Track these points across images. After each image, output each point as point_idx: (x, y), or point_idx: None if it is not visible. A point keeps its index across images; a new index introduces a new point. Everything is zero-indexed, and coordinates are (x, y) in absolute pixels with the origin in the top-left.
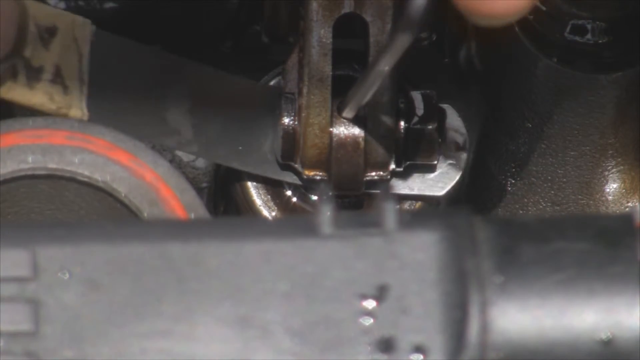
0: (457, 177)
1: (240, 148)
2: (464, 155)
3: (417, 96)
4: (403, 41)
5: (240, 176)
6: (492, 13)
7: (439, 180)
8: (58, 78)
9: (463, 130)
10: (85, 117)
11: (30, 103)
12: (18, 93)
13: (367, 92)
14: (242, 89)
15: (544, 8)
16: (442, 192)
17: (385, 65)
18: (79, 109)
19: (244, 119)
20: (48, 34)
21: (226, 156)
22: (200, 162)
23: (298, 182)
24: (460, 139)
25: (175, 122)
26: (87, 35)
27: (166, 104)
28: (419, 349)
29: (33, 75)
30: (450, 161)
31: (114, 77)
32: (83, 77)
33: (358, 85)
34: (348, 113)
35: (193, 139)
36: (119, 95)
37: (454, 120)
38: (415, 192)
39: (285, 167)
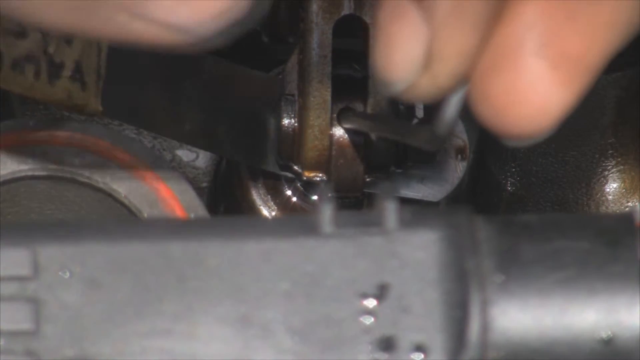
0: (456, 183)
1: (247, 142)
2: (464, 162)
3: None
4: (425, 145)
5: (240, 176)
6: (520, 133)
7: (438, 185)
8: (77, 74)
9: (464, 135)
10: (100, 112)
11: (50, 100)
12: (39, 91)
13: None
14: (255, 82)
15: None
16: (440, 197)
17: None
18: (95, 104)
19: (253, 113)
20: None
21: (231, 150)
22: (200, 162)
23: (300, 178)
24: (460, 144)
25: (185, 116)
26: None
27: (178, 98)
28: (419, 348)
29: (54, 71)
30: (450, 166)
31: (127, 71)
32: (100, 72)
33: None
34: (348, 124)
35: (200, 133)
36: (132, 89)
37: (455, 124)
38: (413, 196)
39: (285, 168)
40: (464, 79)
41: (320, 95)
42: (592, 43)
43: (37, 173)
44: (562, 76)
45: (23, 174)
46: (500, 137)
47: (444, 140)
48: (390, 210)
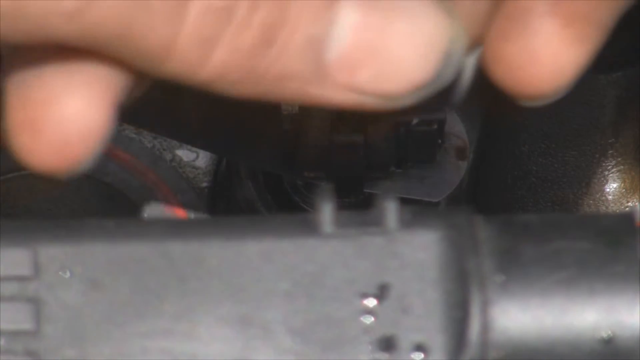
0: (456, 183)
1: (247, 142)
2: (464, 162)
3: None
4: (438, 110)
5: (240, 176)
6: (535, 93)
7: (438, 185)
8: None
9: (464, 135)
10: None
11: None
12: None
13: None
14: None
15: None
16: (440, 198)
17: None
18: None
19: (253, 112)
20: None
21: (231, 150)
22: (200, 162)
23: (300, 177)
24: (460, 144)
25: (185, 116)
26: None
27: (178, 98)
28: (420, 348)
29: None
30: (450, 166)
31: None
32: None
33: None
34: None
35: (200, 133)
36: None
37: (454, 124)
38: (413, 196)
39: (285, 167)
40: (478, 42)
41: None
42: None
43: (37, 173)
44: (573, 34)
45: (23, 173)
46: (515, 98)
47: (457, 103)
48: (390, 211)
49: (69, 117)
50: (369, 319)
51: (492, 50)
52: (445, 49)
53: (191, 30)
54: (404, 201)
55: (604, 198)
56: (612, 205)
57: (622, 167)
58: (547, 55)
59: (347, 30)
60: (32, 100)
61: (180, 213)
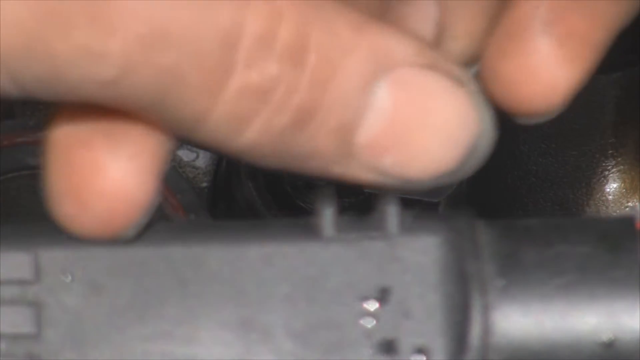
0: (455, 184)
1: None
2: None
3: None
4: None
5: (240, 176)
6: (532, 111)
7: (437, 186)
8: None
9: None
10: None
11: None
12: None
13: None
14: None
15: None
16: (440, 198)
17: None
18: None
19: None
20: None
21: None
22: (200, 162)
23: (301, 177)
24: None
25: None
26: None
27: None
28: (420, 351)
29: None
30: None
31: None
32: None
33: None
34: None
35: None
36: None
37: None
38: (413, 196)
39: None
40: (475, 59)
41: None
42: (596, 20)
43: (37, 173)
44: (569, 53)
45: (23, 173)
46: (512, 115)
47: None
48: (391, 214)
49: (115, 188)
50: (369, 323)
51: (490, 67)
52: (473, 143)
53: (226, 107)
54: (404, 201)
55: (604, 198)
56: (612, 205)
57: (622, 167)
58: (543, 73)
59: (379, 118)
60: (76, 169)
61: (180, 213)
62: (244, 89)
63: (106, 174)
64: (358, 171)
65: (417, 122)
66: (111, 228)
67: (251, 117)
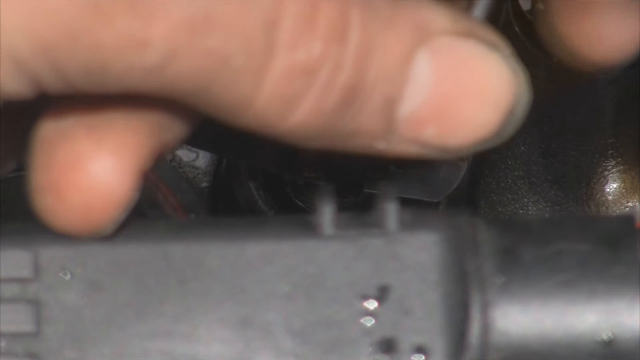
0: (455, 184)
1: (247, 142)
2: (463, 162)
3: None
4: None
5: (240, 176)
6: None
7: (438, 186)
8: None
9: None
10: None
11: None
12: None
13: None
14: None
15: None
16: (440, 198)
17: None
18: None
19: None
20: None
21: (232, 150)
22: (200, 162)
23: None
24: None
25: None
26: None
27: None
28: (420, 350)
29: None
30: (450, 166)
31: None
32: None
33: None
34: None
35: (200, 133)
36: None
37: None
38: (413, 196)
39: (285, 167)
40: None
41: None
42: None
43: None
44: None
45: (23, 173)
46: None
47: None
48: (390, 212)
49: (93, 183)
50: (369, 321)
51: (564, 25)
52: (512, 106)
53: (272, 89)
54: (404, 201)
55: (604, 198)
56: (612, 205)
57: (622, 167)
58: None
59: (420, 90)
60: (57, 163)
61: (180, 213)
62: (290, 69)
63: (86, 169)
64: (399, 145)
65: (457, 90)
66: (89, 223)
67: (299, 98)
